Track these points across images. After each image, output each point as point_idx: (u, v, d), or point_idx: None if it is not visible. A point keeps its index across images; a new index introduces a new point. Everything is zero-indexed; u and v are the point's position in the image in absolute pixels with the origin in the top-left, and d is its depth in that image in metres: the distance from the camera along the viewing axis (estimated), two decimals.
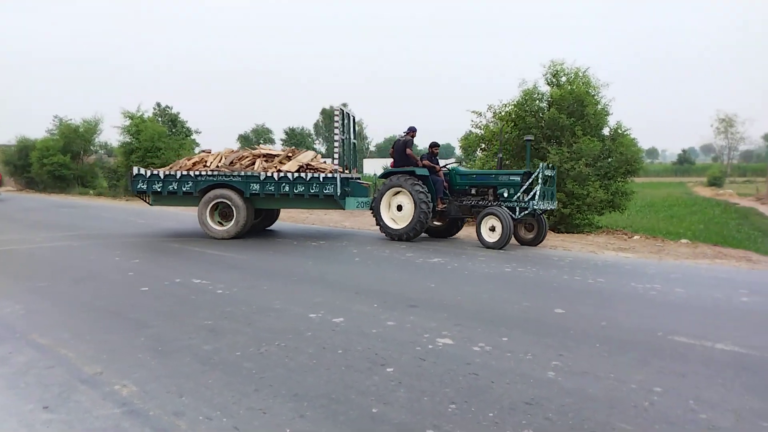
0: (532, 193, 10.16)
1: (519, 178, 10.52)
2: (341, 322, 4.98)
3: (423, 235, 11.76)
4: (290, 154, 12.10)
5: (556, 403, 3.31)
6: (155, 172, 11.54)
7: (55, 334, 4.61)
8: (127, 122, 27.86)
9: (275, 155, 12.11)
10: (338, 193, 10.77)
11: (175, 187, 11.33)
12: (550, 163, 11.37)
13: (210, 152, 12.79)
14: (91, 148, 36.05)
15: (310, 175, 10.90)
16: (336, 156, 11.03)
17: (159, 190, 11.44)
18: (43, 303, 5.77)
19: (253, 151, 12.54)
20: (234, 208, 10.96)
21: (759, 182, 49.92)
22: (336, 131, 11.37)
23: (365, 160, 51.23)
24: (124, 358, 4.06)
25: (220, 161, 11.95)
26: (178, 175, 11.31)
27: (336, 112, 11.48)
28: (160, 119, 34.62)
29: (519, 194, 10.35)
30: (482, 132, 15.40)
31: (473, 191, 11.15)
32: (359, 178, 12.46)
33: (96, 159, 36.94)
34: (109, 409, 3.21)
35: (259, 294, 6.17)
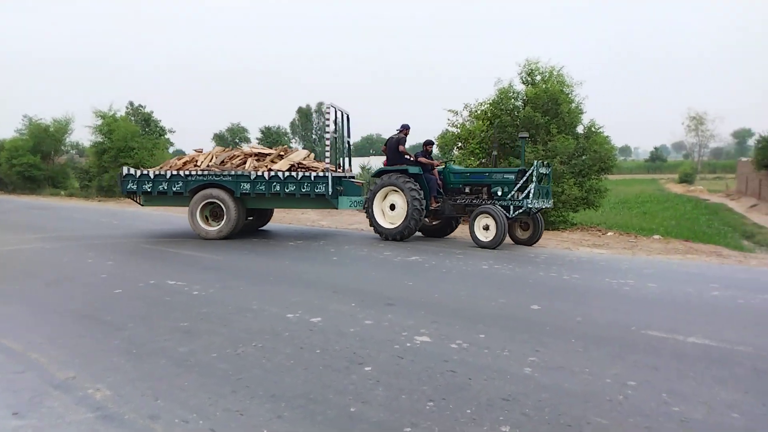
0: (526, 192, 9.96)
1: (513, 177, 10.34)
2: (319, 322, 4.96)
3: (418, 234, 11.61)
4: (282, 153, 11.96)
5: (533, 399, 3.34)
6: (145, 172, 11.37)
7: (26, 339, 4.50)
8: (99, 122, 27.41)
9: (267, 154, 11.95)
10: (330, 193, 10.60)
11: (165, 187, 11.16)
12: (546, 161, 11.08)
13: (201, 151, 12.63)
14: (62, 148, 35.42)
15: (301, 174, 10.73)
16: (327, 154, 10.84)
17: (149, 190, 11.26)
18: (13, 307, 5.64)
19: (244, 150, 12.37)
20: (224, 208, 10.81)
21: (728, 179, 51.06)
22: (327, 129, 11.13)
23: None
24: (97, 361, 3.99)
25: (211, 160, 11.78)
26: (168, 174, 11.14)
27: (327, 110, 11.22)
28: (133, 118, 34.11)
29: (513, 193, 10.17)
30: (458, 131, 15.47)
31: (467, 190, 10.97)
32: (353, 177, 12.26)
33: (67, 159, 36.31)
34: (82, 414, 3.15)
35: (236, 294, 6.11)
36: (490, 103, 14.92)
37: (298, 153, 12.10)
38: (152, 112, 36.41)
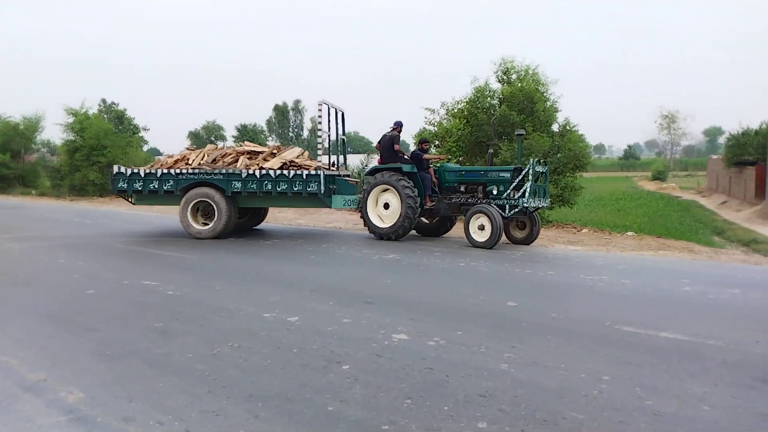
0: (522, 190, 9.73)
1: (509, 175, 10.09)
2: (296, 321, 4.94)
3: (413, 233, 11.42)
4: (275, 151, 11.80)
5: (509, 395, 3.37)
6: (135, 170, 11.19)
7: None
8: (71, 119, 26.90)
9: (259, 152, 11.76)
10: (322, 191, 10.43)
11: (156, 186, 10.98)
12: (542, 159, 10.83)
13: (194, 149, 12.45)
14: (33, 146, 34.66)
15: (293, 172, 10.56)
16: (319, 152, 10.67)
17: (140, 188, 11.07)
18: None
19: (237, 148, 12.17)
20: (215, 207, 10.65)
21: (700, 176, 52.18)
22: (319, 126, 10.95)
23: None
24: (69, 363, 3.92)
25: (202, 159, 11.59)
26: (159, 173, 10.97)
27: (318, 107, 10.93)
28: (105, 116, 33.57)
29: (509, 191, 9.93)
30: (436, 129, 15.53)
31: (462, 188, 10.77)
32: (349, 175, 12.03)
33: (38, 158, 35.57)
34: (54, 417, 3.09)
35: (212, 294, 6.05)
36: (466, 102, 15.00)
37: (292, 151, 11.90)
38: (125, 110, 35.90)
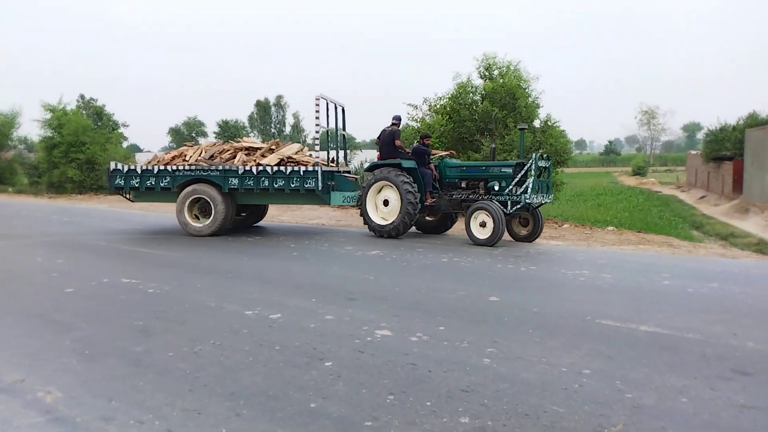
0: (524, 186, 9.48)
1: (511, 170, 9.82)
2: (278, 318, 4.92)
3: (414, 231, 11.24)
4: (273, 147, 11.67)
5: (492, 389, 3.39)
6: (132, 166, 11.06)
7: None
8: (48, 115, 26.47)
9: (257, 148, 11.63)
10: (320, 188, 10.30)
11: (153, 183, 10.85)
12: (545, 154, 10.52)
13: (191, 145, 12.31)
14: (9, 143, 34.02)
15: (290, 168, 10.44)
16: (316, 148, 10.55)
17: (137, 185, 10.94)
18: None
19: (234, 144, 12.06)
20: (212, 204, 10.52)
21: (679, 171, 52.90)
22: (316, 121, 10.77)
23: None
24: (48, 363, 3.86)
25: (200, 155, 11.48)
26: (156, 170, 10.84)
27: (316, 101, 10.73)
28: (84, 112, 33.06)
29: (511, 187, 9.69)
30: (418, 125, 15.55)
31: (463, 184, 10.50)
32: (348, 172, 11.85)
33: (15, 154, 34.90)
34: (32, 417, 3.05)
35: (193, 292, 6.00)
36: (449, 98, 15.03)
37: (290, 147, 11.77)
38: (104, 106, 35.40)
